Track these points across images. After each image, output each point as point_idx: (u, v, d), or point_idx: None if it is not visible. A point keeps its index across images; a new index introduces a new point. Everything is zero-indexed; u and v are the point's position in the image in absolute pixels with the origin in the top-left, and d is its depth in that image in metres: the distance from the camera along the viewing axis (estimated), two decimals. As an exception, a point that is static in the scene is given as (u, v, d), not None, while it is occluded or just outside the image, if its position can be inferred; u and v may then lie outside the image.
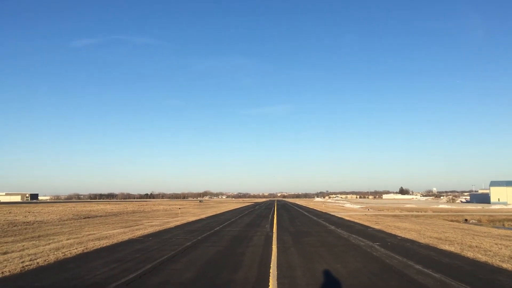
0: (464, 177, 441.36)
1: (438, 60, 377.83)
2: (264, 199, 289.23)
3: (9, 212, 55.14)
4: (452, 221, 44.64)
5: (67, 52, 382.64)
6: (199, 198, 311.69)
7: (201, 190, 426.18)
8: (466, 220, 48.73)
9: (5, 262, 12.72)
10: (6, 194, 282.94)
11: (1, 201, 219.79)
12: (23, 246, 17.10)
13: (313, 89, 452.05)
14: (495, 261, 12.73)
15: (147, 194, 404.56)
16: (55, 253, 14.71)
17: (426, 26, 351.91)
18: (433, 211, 67.10)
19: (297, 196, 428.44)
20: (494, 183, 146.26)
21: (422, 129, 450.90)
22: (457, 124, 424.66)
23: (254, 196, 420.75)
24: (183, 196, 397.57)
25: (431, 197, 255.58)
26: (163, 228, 26.52)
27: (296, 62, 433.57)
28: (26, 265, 12.06)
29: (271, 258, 13.75)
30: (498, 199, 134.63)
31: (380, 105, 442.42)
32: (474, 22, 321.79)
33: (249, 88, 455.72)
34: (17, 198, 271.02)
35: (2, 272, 11.02)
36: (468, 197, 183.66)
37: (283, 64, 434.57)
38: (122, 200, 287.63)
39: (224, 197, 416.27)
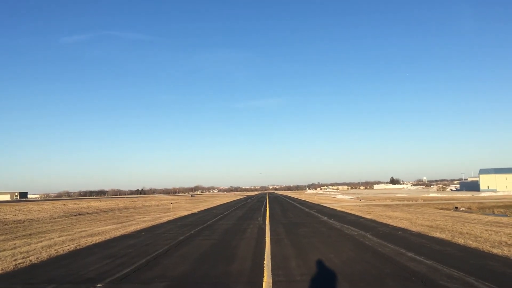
0: (453, 165, 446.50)
1: (428, 51, 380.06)
2: (255, 192, 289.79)
3: (-1, 211, 54.59)
4: (442, 209, 45.14)
5: (56, 49, 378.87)
6: (190, 193, 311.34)
7: (192, 185, 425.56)
8: (456, 207, 49.31)
9: (-3, 260, 12.62)
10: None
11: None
12: (15, 244, 16.97)
13: (303, 82, 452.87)
14: (486, 247, 12.92)
15: (138, 190, 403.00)
16: (48, 250, 14.63)
17: (417, 15, 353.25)
18: (424, 200, 67.84)
19: (289, 188, 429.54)
20: (483, 171, 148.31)
21: (411, 119, 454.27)
22: (445, 113, 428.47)
23: (246, 190, 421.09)
24: (174, 191, 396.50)
25: (421, 186, 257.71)
26: (156, 223, 26.48)
27: (287, 55, 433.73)
28: (19, 263, 11.98)
29: (265, 249, 13.80)
30: (488, 186, 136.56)
31: (369, 96, 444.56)
32: (463, 11, 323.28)
33: (239, 82, 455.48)
34: (6, 197, 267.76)
35: (-5, 271, 10.94)
36: (458, 185, 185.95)
37: (274, 57, 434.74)
38: (113, 196, 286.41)
39: (215, 191, 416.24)
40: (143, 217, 33.99)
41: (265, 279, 9.23)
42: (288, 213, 34.90)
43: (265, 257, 12.23)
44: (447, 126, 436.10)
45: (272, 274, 9.72)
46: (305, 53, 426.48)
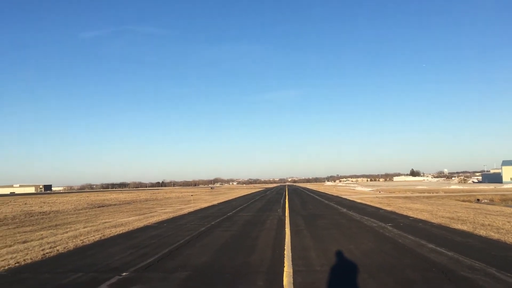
0: (475, 157, 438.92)
1: (447, 39, 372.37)
2: (274, 185, 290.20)
3: (25, 203, 56.13)
4: (464, 201, 44.50)
5: (75, 44, 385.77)
6: (210, 185, 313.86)
7: (212, 177, 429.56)
8: (478, 200, 48.58)
9: (26, 250, 13.08)
10: (20, 186, 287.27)
11: (16, 192, 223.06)
12: (42, 235, 17.51)
13: (321, 73, 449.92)
14: (508, 239, 12.80)
15: (158, 182, 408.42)
16: (74, 240, 15.07)
17: (429, 5, 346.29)
18: (445, 192, 66.92)
19: (308, 180, 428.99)
20: (506, 163, 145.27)
21: (431, 110, 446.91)
22: (467, 104, 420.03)
23: (265, 182, 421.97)
24: (194, 184, 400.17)
25: (442, 178, 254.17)
26: (177, 215, 26.89)
27: (304, 47, 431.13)
28: (46, 253, 12.40)
29: (284, 240, 13.94)
30: (510, 178, 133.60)
31: (389, 87, 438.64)
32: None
33: (257, 74, 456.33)
34: (31, 190, 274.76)
35: (24, 260, 11.35)
36: (480, 177, 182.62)
37: (291, 49, 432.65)
38: (134, 188, 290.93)
39: (234, 183, 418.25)
40: (164, 209, 34.52)
41: (285, 269, 9.37)
42: (308, 205, 34.95)
43: (285, 248, 12.37)
44: (469, 117, 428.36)
45: (292, 264, 9.85)
46: (322, 44, 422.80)
